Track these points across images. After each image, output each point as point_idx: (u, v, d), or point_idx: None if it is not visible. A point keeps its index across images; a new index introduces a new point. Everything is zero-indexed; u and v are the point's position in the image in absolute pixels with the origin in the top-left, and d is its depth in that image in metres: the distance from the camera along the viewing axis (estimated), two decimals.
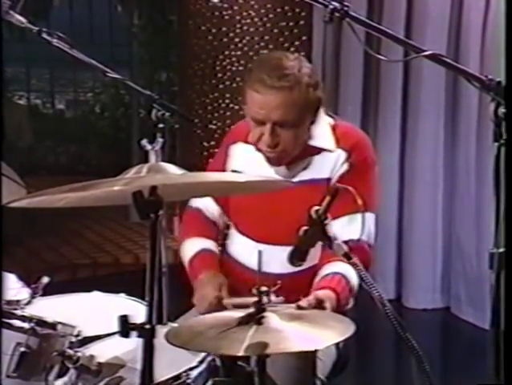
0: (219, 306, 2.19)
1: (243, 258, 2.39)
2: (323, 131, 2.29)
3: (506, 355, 1.67)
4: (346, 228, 2.08)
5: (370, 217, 2.25)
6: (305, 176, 2.27)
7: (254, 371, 1.75)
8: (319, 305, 1.98)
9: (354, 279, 2.15)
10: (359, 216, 1.99)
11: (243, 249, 2.39)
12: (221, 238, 2.53)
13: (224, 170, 2.39)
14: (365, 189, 2.13)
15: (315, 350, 2.07)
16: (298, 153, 2.27)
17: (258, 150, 2.28)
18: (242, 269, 2.36)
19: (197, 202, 2.49)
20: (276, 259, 2.16)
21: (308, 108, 2.21)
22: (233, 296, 2.30)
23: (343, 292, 2.12)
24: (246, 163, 2.35)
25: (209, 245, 2.43)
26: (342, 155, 2.27)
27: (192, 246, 2.42)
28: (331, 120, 2.33)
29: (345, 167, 2.25)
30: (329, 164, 2.27)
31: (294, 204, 2.11)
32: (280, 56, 2.22)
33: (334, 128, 2.31)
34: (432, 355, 2.20)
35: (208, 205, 2.47)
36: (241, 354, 1.56)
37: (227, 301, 2.19)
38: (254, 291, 1.68)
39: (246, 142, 2.36)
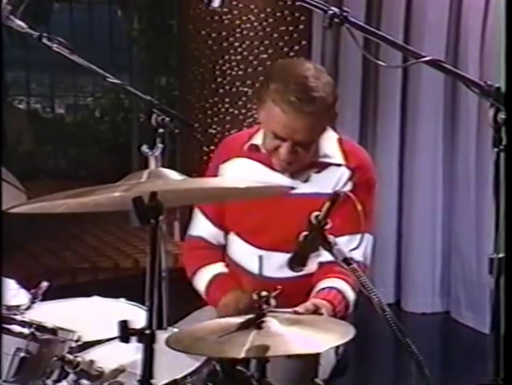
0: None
1: (242, 262, 2.39)
2: (332, 147, 2.30)
3: (506, 360, 1.67)
4: (345, 247, 2.06)
5: (369, 239, 2.25)
6: (308, 189, 2.27)
7: (254, 376, 1.76)
8: (316, 311, 1.99)
9: (350, 296, 2.18)
10: (358, 236, 1.99)
11: (242, 253, 2.39)
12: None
13: None
14: (367, 211, 2.14)
15: (317, 355, 2.07)
16: (306, 165, 2.28)
17: (259, 161, 2.27)
18: (242, 273, 2.36)
19: (197, 230, 2.48)
20: (275, 265, 2.17)
21: (327, 125, 2.25)
22: None
23: (339, 305, 2.14)
24: (246, 175, 2.35)
25: (220, 268, 2.41)
26: (346, 173, 2.27)
27: (204, 275, 2.40)
28: (336, 135, 2.34)
29: (349, 186, 2.25)
30: (332, 180, 2.27)
31: (293, 215, 2.11)
32: (305, 73, 2.17)
33: (340, 143, 2.33)
34: (432, 359, 2.20)
35: (208, 231, 2.46)
36: (241, 356, 1.57)
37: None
38: (255, 296, 1.68)
39: (239, 156, 2.36)
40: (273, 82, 2.18)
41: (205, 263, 2.42)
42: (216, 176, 2.41)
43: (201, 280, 2.40)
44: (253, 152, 2.34)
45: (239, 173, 2.37)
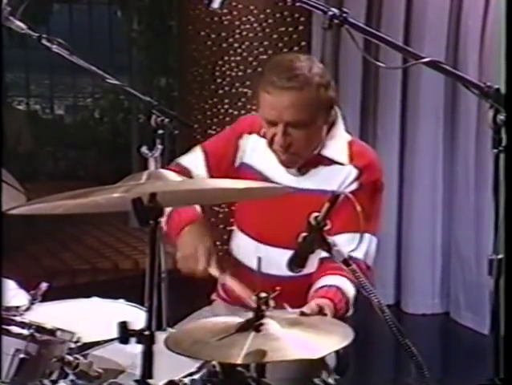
0: (205, 275, 2.19)
1: (244, 257, 2.39)
2: (339, 145, 2.30)
3: (506, 360, 1.67)
4: (346, 245, 2.02)
5: (372, 239, 2.25)
6: (313, 185, 2.27)
7: (253, 377, 1.76)
8: (320, 312, 1.99)
9: (349, 292, 2.16)
10: (358, 236, 1.99)
11: (245, 248, 2.39)
12: (222, 243, 2.54)
13: (234, 161, 2.37)
14: (371, 211, 2.14)
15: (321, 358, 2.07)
16: (311, 160, 2.28)
17: (272, 151, 2.28)
18: (243, 268, 2.36)
19: (185, 160, 2.42)
20: (277, 261, 2.16)
21: (320, 108, 2.23)
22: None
23: (339, 303, 2.12)
24: (259, 158, 2.35)
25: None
26: (353, 172, 2.27)
27: None
28: (348, 137, 2.34)
29: (354, 185, 2.25)
30: (339, 178, 2.27)
31: (297, 210, 2.09)
32: (291, 58, 2.25)
33: (350, 144, 2.32)
34: (432, 360, 2.21)
35: (197, 166, 2.40)
36: (239, 361, 1.57)
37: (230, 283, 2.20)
38: (254, 297, 1.68)
39: (259, 135, 2.36)
40: (262, 74, 2.26)
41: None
42: (236, 145, 2.37)
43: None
44: None
45: (256, 152, 2.35)
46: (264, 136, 2.34)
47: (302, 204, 2.10)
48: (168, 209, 2.29)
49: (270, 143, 2.26)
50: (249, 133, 2.39)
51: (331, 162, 2.29)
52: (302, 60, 2.22)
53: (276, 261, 2.15)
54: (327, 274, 2.17)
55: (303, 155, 2.27)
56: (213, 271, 2.20)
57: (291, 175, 2.30)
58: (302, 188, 2.25)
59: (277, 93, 2.17)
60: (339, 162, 2.28)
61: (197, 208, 2.35)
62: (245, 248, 2.39)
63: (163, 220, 2.29)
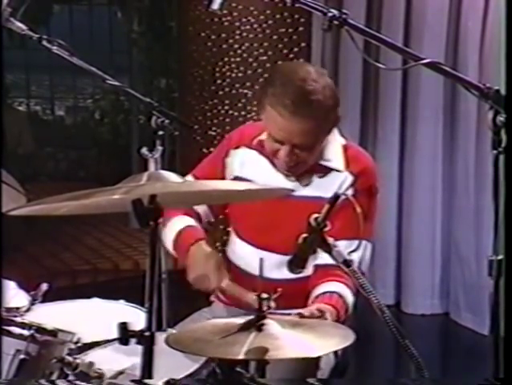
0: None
1: (243, 263, 2.39)
2: (335, 152, 2.30)
3: (506, 361, 1.67)
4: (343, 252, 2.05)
5: (367, 246, 2.25)
6: (310, 192, 2.27)
7: (253, 377, 1.76)
8: (321, 316, 1.99)
9: (350, 299, 2.17)
10: (356, 242, 1.99)
11: (243, 254, 2.39)
12: (221, 244, 2.54)
13: (223, 177, 2.38)
14: (366, 218, 2.14)
15: (317, 356, 2.07)
16: (309, 168, 2.28)
17: (271, 160, 2.28)
18: (242, 274, 2.36)
19: None
20: (275, 265, 2.17)
21: (327, 128, 2.23)
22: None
23: (341, 310, 2.13)
24: (251, 169, 2.35)
25: (193, 222, 2.36)
26: (348, 178, 2.27)
27: (175, 225, 2.33)
28: (342, 141, 2.34)
29: (350, 192, 2.24)
30: (335, 184, 2.26)
31: (295, 217, 2.09)
32: (303, 76, 2.15)
33: (345, 149, 2.32)
34: (431, 361, 2.21)
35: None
36: (240, 357, 1.58)
37: (228, 287, 2.22)
38: (255, 298, 1.69)
39: (250, 147, 2.36)
40: (271, 86, 2.18)
41: (176, 215, 2.35)
42: (223, 161, 2.39)
43: (170, 231, 2.31)
44: (262, 147, 2.33)
45: (246, 165, 2.36)
46: (256, 147, 2.34)
47: (300, 211, 2.10)
48: (175, 229, 2.31)
49: (273, 157, 2.26)
50: (236, 148, 2.38)
51: (328, 169, 2.29)
52: (315, 78, 2.15)
53: (274, 265, 2.16)
54: (328, 281, 2.18)
55: (306, 167, 2.27)
56: (226, 285, 2.22)
57: (290, 182, 2.30)
58: (300, 196, 2.25)
59: (288, 117, 2.12)
60: (335, 169, 2.29)
61: (200, 229, 2.36)
62: (243, 254, 2.39)
63: (170, 241, 2.32)
